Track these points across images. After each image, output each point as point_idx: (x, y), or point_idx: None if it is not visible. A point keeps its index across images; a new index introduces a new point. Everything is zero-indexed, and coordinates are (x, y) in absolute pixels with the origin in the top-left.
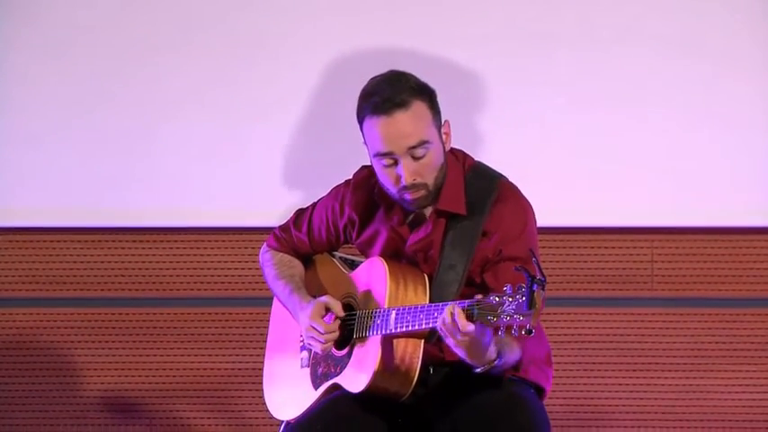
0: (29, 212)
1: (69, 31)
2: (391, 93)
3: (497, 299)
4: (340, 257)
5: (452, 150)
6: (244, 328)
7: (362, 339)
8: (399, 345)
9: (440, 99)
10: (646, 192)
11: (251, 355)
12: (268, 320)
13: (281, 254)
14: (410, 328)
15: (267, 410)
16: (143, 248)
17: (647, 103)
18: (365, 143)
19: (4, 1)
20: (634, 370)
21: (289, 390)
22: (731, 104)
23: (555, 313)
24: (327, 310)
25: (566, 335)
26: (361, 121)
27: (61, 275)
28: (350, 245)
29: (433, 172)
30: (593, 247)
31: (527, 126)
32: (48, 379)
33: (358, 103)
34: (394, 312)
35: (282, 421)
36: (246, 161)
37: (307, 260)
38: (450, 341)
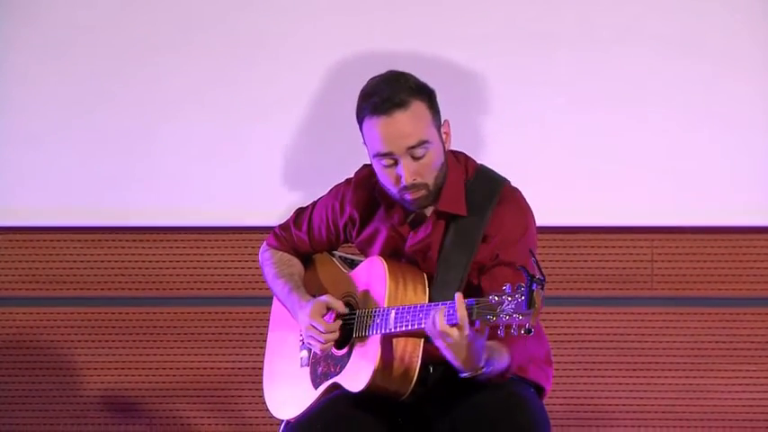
0: (29, 212)
1: (69, 31)
2: (390, 93)
3: (497, 298)
4: (340, 257)
5: (454, 152)
6: (244, 327)
7: (362, 339)
8: (399, 344)
9: (440, 99)
10: (646, 192)
11: (251, 355)
12: (268, 320)
13: (281, 253)
14: (410, 327)
15: (267, 410)
16: (143, 248)
17: (647, 103)
18: (365, 143)
19: (4, 1)
20: (634, 369)
21: (289, 389)
22: (731, 104)
23: (555, 313)
24: (327, 309)
25: (566, 334)
26: (360, 121)
27: (61, 275)
28: (350, 244)
29: (433, 172)
30: (593, 247)
31: (527, 126)
32: (48, 378)
33: (357, 104)
34: (393, 312)
35: (282, 420)
36: (246, 161)
37: (306, 259)
38: (439, 343)
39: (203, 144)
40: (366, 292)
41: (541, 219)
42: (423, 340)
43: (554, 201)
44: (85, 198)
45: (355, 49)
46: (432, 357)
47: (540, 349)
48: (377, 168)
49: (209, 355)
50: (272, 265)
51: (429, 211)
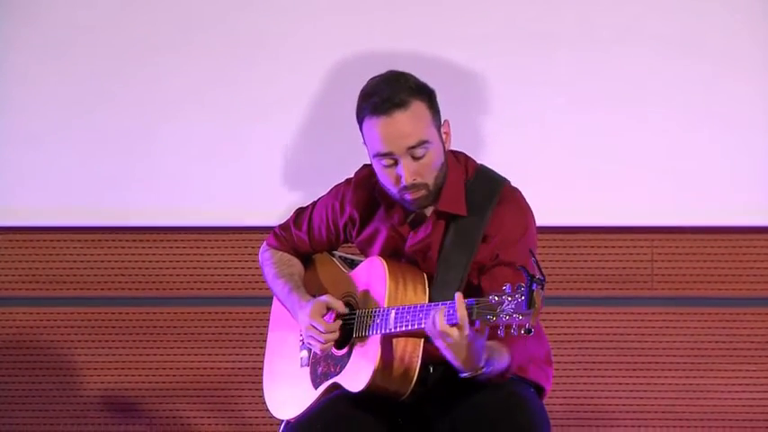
0: (29, 212)
1: (69, 31)
2: (390, 93)
3: (497, 298)
4: (340, 257)
5: (454, 152)
6: (244, 327)
7: (362, 339)
8: (399, 344)
9: (440, 99)
10: (646, 191)
11: (251, 355)
12: (268, 320)
13: (281, 253)
14: (410, 327)
15: (267, 410)
16: (143, 248)
17: (647, 103)
18: (365, 143)
19: (4, 1)
20: (634, 369)
21: (289, 389)
22: (731, 104)
23: (555, 313)
24: (328, 309)
25: (566, 334)
26: (360, 121)
27: (61, 275)
28: (350, 244)
29: (433, 172)
30: (593, 247)
31: (527, 126)
32: (48, 378)
33: (357, 104)
34: (393, 312)
35: (282, 420)
36: (246, 161)
37: (306, 259)
38: (439, 343)
39: (203, 144)
40: (366, 292)
41: (541, 219)
42: (423, 340)
43: (554, 201)
44: (85, 198)
45: (355, 49)
46: (432, 357)
47: (539, 349)
48: (377, 168)
49: (209, 355)
50: (272, 265)
51: (429, 211)
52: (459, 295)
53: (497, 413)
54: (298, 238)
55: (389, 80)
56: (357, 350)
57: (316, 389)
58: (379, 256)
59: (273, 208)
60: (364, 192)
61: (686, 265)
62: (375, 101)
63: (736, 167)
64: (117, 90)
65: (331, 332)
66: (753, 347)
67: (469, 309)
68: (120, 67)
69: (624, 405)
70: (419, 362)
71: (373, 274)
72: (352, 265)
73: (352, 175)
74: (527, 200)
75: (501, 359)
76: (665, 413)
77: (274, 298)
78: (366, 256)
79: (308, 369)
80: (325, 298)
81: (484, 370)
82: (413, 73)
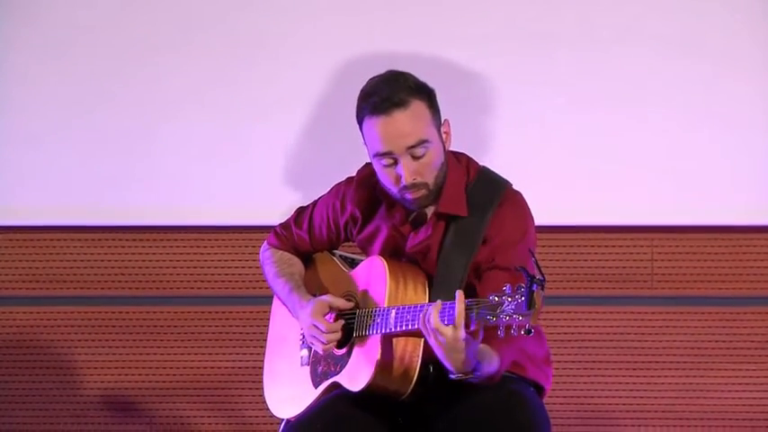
0: (29, 211)
1: (69, 31)
2: (390, 92)
3: (497, 299)
4: (340, 256)
5: (455, 153)
6: (244, 326)
7: (362, 338)
8: (399, 344)
9: (440, 99)
10: (646, 191)
11: (251, 354)
12: (268, 319)
13: (282, 252)
14: (410, 326)
15: (267, 409)
16: (143, 247)
17: (647, 103)
18: (365, 143)
19: (4, 1)
20: (634, 368)
21: (289, 388)
22: (731, 104)
23: (555, 312)
24: (329, 308)
25: (566, 333)
26: (360, 121)
27: (61, 274)
28: (350, 242)
29: (433, 171)
30: (593, 246)
31: (527, 126)
32: (48, 377)
33: (357, 104)
34: (394, 311)
35: (282, 420)
36: (246, 161)
37: (307, 258)
38: (431, 341)
39: (203, 144)
40: (366, 292)
41: (541, 219)
42: (423, 340)
43: (554, 201)
44: (85, 197)
45: (355, 49)
46: (432, 357)
47: (539, 349)
48: (377, 168)
49: (210, 354)
50: (273, 264)
51: (430, 211)
52: (459, 293)
53: (498, 412)
54: (298, 237)
55: (389, 80)
56: (357, 349)
57: (316, 388)
58: (380, 255)
59: (273, 207)
60: (366, 190)
61: (686, 265)
62: (374, 100)
63: (736, 167)
64: (117, 90)
65: (333, 332)
66: (753, 347)
67: (469, 308)
68: (120, 67)
69: (624, 404)
70: (419, 361)
71: (374, 274)
72: (353, 264)
73: (353, 174)
74: (528, 202)
75: (491, 363)
76: (665, 412)
77: (274, 297)
78: (367, 254)
79: (308, 368)
80: (326, 297)
81: (474, 373)
82: (413, 73)
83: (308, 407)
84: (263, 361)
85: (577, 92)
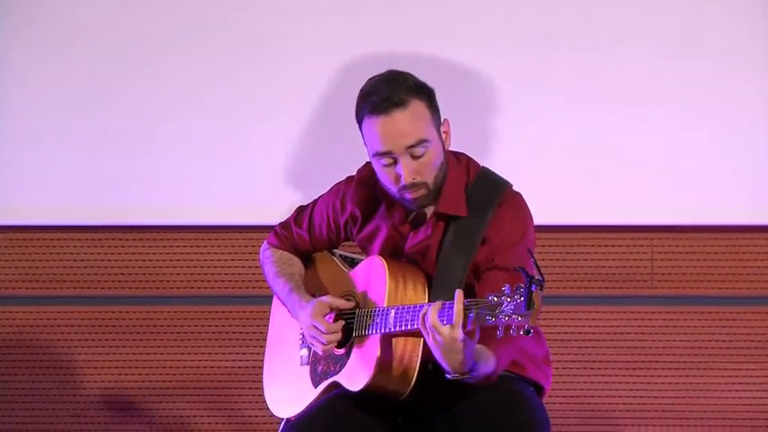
0: (29, 211)
1: (69, 31)
2: (389, 92)
3: (496, 299)
4: (340, 255)
5: (455, 153)
6: (244, 326)
7: (362, 338)
8: (399, 343)
9: (440, 99)
10: (646, 191)
11: (251, 354)
12: (268, 318)
13: (281, 251)
14: (409, 326)
15: (267, 408)
16: (143, 247)
17: (647, 103)
18: (364, 143)
19: (4, 1)
20: (634, 368)
21: (288, 387)
22: (731, 104)
23: (555, 311)
24: (329, 309)
25: (566, 333)
26: (359, 121)
27: (61, 274)
28: (350, 242)
29: (432, 171)
30: (593, 246)
31: (527, 126)
32: (48, 377)
33: (357, 104)
34: (393, 311)
35: (282, 419)
36: (246, 161)
37: (307, 258)
38: (429, 340)
39: (203, 144)
40: (366, 292)
41: (541, 219)
42: (422, 340)
43: (554, 201)
44: (85, 197)
45: (355, 49)
46: (432, 357)
47: (538, 349)
48: (376, 168)
49: (210, 353)
50: (273, 264)
51: (430, 211)
52: (459, 293)
53: (497, 412)
54: (298, 237)
55: (388, 80)
56: (357, 349)
57: (315, 387)
58: (380, 254)
59: (273, 207)
60: (366, 189)
61: (686, 264)
62: (374, 100)
63: (736, 167)
64: (117, 90)
65: (333, 332)
66: (753, 346)
67: (468, 308)
68: (120, 67)
69: (624, 404)
70: (419, 361)
71: (373, 274)
72: (353, 263)
73: (353, 174)
74: (528, 202)
75: (487, 363)
76: (665, 412)
77: (274, 297)
78: (366, 253)
79: (307, 368)
80: (326, 298)
81: (471, 374)
82: (413, 73)
83: (307, 406)
84: (262, 361)
85: (577, 92)
